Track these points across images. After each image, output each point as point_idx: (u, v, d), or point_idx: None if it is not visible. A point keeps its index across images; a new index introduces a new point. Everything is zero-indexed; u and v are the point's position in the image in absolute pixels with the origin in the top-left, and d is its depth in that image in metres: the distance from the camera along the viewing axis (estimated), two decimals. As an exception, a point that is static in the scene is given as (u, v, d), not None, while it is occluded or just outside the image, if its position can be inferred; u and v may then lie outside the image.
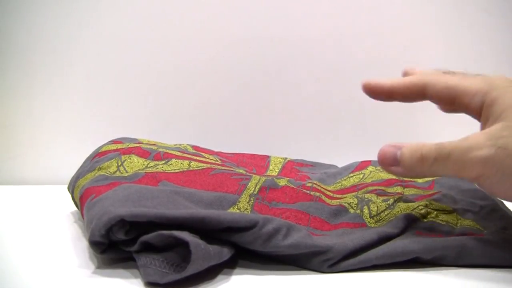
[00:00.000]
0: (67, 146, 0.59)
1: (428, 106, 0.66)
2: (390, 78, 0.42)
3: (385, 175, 0.53)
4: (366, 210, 0.44)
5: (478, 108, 0.38)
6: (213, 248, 0.34)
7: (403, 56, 0.66)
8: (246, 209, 0.42)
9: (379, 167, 0.56)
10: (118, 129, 0.59)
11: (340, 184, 0.52)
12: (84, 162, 0.50)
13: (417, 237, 0.40)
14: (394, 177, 0.52)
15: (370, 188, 0.49)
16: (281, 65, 0.66)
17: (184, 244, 0.33)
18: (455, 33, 0.66)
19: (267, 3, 0.64)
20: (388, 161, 0.38)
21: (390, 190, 0.48)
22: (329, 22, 0.65)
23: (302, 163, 0.58)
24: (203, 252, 0.33)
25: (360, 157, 0.60)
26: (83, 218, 0.41)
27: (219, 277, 0.36)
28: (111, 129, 0.63)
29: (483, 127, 0.38)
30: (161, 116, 0.66)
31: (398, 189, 0.49)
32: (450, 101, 0.40)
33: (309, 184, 0.48)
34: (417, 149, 0.37)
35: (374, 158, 0.59)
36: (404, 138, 0.66)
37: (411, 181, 0.52)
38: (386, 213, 0.43)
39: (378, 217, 0.43)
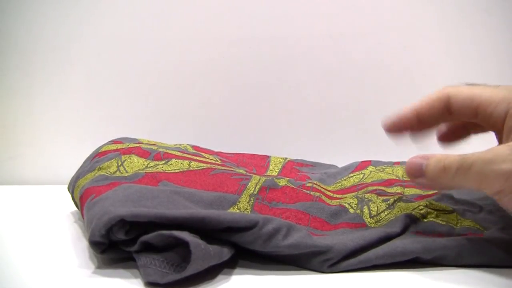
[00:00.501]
0: (67, 146, 0.59)
1: None
2: (407, 106, 0.41)
3: (385, 175, 0.53)
4: (366, 210, 0.44)
5: (502, 117, 0.37)
6: (213, 248, 0.34)
7: (403, 56, 0.66)
8: (246, 209, 0.42)
9: (379, 167, 0.56)
10: (118, 129, 0.59)
11: (340, 184, 0.52)
12: (84, 162, 0.50)
13: (417, 237, 0.40)
14: (394, 177, 0.52)
15: (370, 188, 0.49)
16: (281, 65, 0.66)
17: (184, 244, 0.33)
18: (455, 33, 0.65)
19: (267, 3, 0.64)
20: (414, 172, 0.38)
21: (390, 190, 0.48)
22: (329, 22, 0.65)
23: (302, 163, 0.58)
24: (203, 252, 0.33)
25: (360, 157, 0.60)
26: (83, 218, 0.41)
27: (219, 277, 0.36)
28: (111, 129, 0.63)
29: (504, 138, 0.37)
30: (161, 116, 0.66)
31: (398, 189, 0.49)
32: (473, 112, 0.38)
33: (309, 184, 0.48)
34: (441, 159, 0.36)
35: (374, 158, 0.59)
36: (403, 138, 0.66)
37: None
38: (386, 213, 0.43)
39: (378, 217, 0.43)
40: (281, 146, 0.66)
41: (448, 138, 0.44)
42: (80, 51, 0.64)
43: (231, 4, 0.64)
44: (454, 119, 0.41)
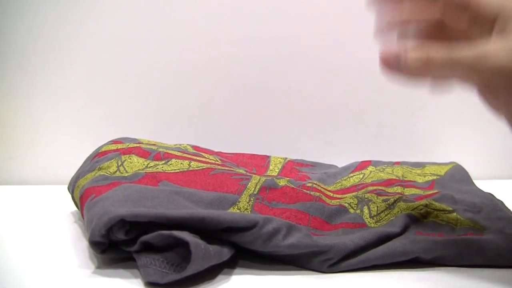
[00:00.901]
0: (67, 146, 0.59)
1: (428, 107, 0.66)
2: None
3: (385, 175, 0.53)
4: (366, 210, 0.44)
5: (492, 19, 0.35)
6: (213, 248, 0.34)
7: None
8: (246, 209, 0.42)
9: (379, 167, 0.56)
10: (118, 129, 0.59)
11: (340, 184, 0.52)
12: (84, 162, 0.50)
13: (417, 237, 0.40)
14: (394, 177, 0.52)
15: (370, 188, 0.49)
16: (281, 65, 0.66)
17: (184, 244, 0.33)
18: None
19: (267, 3, 0.64)
20: (390, 64, 0.36)
21: (390, 190, 0.48)
22: (329, 22, 0.65)
23: (302, 163, 0.58)
24: (203, 252, 0.33)
25: (360, 157, 0.60)
26: (83, 218, 0.41)
27: (219, 277, 0.36)
28: (111, 129, 0.63)
29: (495, 34, 0.35)
30: (161, 116, 0.66)
31: (398, 189, 0.49)
32: (465, 5, 0.37)
33: (309, 184, 0.48)
34: (425, 50, 0.35)
35: (374, 158, 0.59)
36: (404, 138, 0.66)
37: (411, 181, 0.52)
38: (386, 213, 0.43)
39: (378, 217, 0.43)
40: (281, 146, 0.66)
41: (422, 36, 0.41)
42: (80, 51, 0.64)
43: (231, 4, 0.64)
44: (441, 11, 0.38)
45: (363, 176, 0.53)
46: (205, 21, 0.64)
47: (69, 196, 0.48)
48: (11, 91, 0.63)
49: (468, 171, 0.55)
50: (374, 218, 0.43)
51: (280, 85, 0.66)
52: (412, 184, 0.51)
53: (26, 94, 0.63)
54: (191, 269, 0.33)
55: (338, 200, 0.46)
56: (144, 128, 0.65)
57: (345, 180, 0.53)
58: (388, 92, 0.65)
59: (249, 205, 0.43)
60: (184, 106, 0.66)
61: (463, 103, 0.64)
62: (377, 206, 0.44)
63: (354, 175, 0.54)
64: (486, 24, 0.36)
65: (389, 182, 0.51)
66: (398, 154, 0.63)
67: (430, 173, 0.55)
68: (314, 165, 0.59)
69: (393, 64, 0.36)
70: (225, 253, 0.36)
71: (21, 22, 0.62)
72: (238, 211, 0.42)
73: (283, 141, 0.67)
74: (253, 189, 0.44)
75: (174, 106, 0.66)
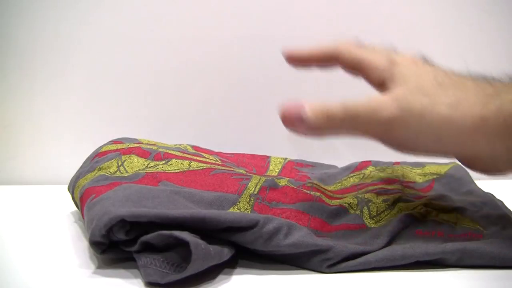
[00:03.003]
0: (67, 146, 0.59)
1: None
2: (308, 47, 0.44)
3: (385, 175, 0.53)
4: (366, 211, 0.44)
5: (380, 81, 0.40)
6: (214, 248, 0.34)
7: None
8: (246, 209, 0.42)
9: (379, 167, 0.56)
10: (118, 129, 0.59)
11: (340, 184, 0.52)
12: (84, 162, 0.50)
13: (417, 238, 0.40)
14: (394, 177, 0.52)
15: (370, 188, 0.49)
16: (281, 65, 0.65)
17: (185, 244, 0.33)
18: (455, 33, 0.65)
19: (267, 3, 0.64)
20: (292, 121, 0.38)
21: (390, 187, 0.48)
22: (329, 22, 0.65)
23: (302, 163, 0.58)
24: (204, 252, 0.33)
25: (360, 157, 0.60)
26: (83, 218, 0.41)
27: (220, 277, 0.36)
28: (111, 129, 0.63)
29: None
30: (161, 116, 0.66)
31: (398, 186, 0.49)
32: (357, 71, 0.42)
33: (309, 184, 0.48)
34: (323, 107, 0.37)
35: (375, 158, 0.59)
36: None
37: (410, 182, 0.52)
38: (386, 213, 0.43)
39: (378, 217, 0.43)
40: (281, 146, 0.66)
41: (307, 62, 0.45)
42: (80, 51, 0.64)
43: (231, 4, 0.64)
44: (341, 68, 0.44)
45: (363, 176, 0.53)
46: (205, 21, 0.64)
47: (69, 196, 0.48)
48: (11, 91, 0.63)
49: (468, 171, 0.55)
50: (374, 218, 0.43)
51: (280, 85, 0.66)
52: (412, 186, 0.51)
53: (26, 94, 0.63)
54: (191, 269, 0.33)
55: (338, 200, 0.46)
56: (144, 128, 0.65)
57: (345, 180, 0.53)
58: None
59: (249, 205, 0.43)
60: (184, 106, 0.66)
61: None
62: (377, 207, 0.44)
63: (354, 175, 0.54)
64: (378, 83, 0.40)
65: (389, 182, 0.51)
66: (398, 154, 0.62)
67: (430, 172, 0.55)
68: (314, 165, 0.59)
69: (296, 122, 0.38)
70: (225, 253, 0.36)
71: (21, 22, 0.62)
72: (238, 211, 0.42)
73: (283, 141, 0.67)
74: (253, 189, 0.44)
75: (175, 106, 0.66)
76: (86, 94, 0.65)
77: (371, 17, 0.65)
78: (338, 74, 0.66)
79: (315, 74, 0.66)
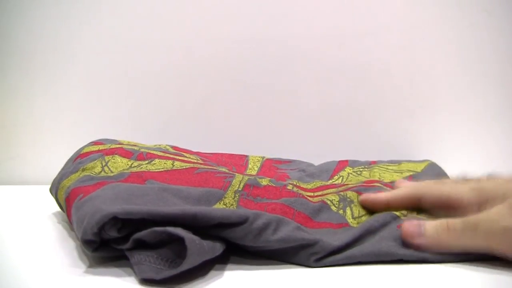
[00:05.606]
0: (67, 146, 0.58)
1: (427, 107, 0.67)
2: (386, 193, 0.46)
3: (364, 178, 0.54)
4: (348, 212, 0.45)
5: (475, 212, 0.40)
6: (207, 243, 0.35)
7: (403, 56, 0.66)
8: (232, 204, 0.43)
9: (356, 169, 0.57)
10: (118, 129, 0.59)
11: (319, 182, 0.53)
12: (66, 164, 0.49)
13: (399, 232, 0.41)
14: (372, 179, 0.53)
15: (350, 185, 0.50)
16: (281, 65, 0.65)
17: (179, 240, 0.33)
18: (455, 33, 0.66)
19: (267, 3, 0.64)
20: (412, 234, 0.39)
21: (370, 185, 0.49)
22: (329, 22, 0.65)
23: (280, 161, 0.59)
24: (198, 247, 0.34)
25: (359, 157, 0.61)
26: (68, 219, 0.41)
27: (211, 273, 0.36)
28: (111, 129, 0.62)
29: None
30: (161, 116, 0.65)
31: (378, 184, 0.50)
32: (445, 208, 0.42)
33: (290, 187, 0.48)
34: (442, 221, 0.39)
35: (375, 158, 0.60)
36: (404, 139, 0.67)
37: (389, 182, 0.53)
38: (368, 215, 0.44)
39: (359, 219, 0.44)
40: (281, 146, 0.66)
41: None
42: (81, 51, 0.63)
43: (231, 4, 0.64)
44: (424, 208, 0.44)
45: (342, 180, 0.54)
46: (205, 21, 0.64)
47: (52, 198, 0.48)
48: (12, 91, 0.62)
49: (467, 170, 0.56)
50: (357, 219, 0.44)
51: (280, 85, 0.66)
52: (391, 185, 0.52)
53: (27, 94, 0.63)
54: (187, 264, 0.33)
55: (319, 197, 0.47)
56: (144, 128, 0.64)
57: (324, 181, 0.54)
58: (388, 92, 0.66)
59: (235, 200, 0.43)
60: (184, 106, 0.65)
61: (463, 103, 0.65)
62: (359, 210, 0.45)
63: (333, 180, 0.55)
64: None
65: (369, 182, 0.52)
66: (398, 154, 0.64)
67: (407, 169, 0.56)
68: (291, 161, 0.60)
69: (415, 234, 0.39)
70: (218, 248, 0.36)
71: (22, 22, 0.61)
72: (224, 206, 0.42)
73: (282, 141, 0.67)
74: (237, 186, 0.45)
75: (174, 106, 0.65)
76: (86, 94, 0.64)
77: (371, 17, 0.65)
78: (338, 75, 0.66)
79: (315, 74, 0.66)
